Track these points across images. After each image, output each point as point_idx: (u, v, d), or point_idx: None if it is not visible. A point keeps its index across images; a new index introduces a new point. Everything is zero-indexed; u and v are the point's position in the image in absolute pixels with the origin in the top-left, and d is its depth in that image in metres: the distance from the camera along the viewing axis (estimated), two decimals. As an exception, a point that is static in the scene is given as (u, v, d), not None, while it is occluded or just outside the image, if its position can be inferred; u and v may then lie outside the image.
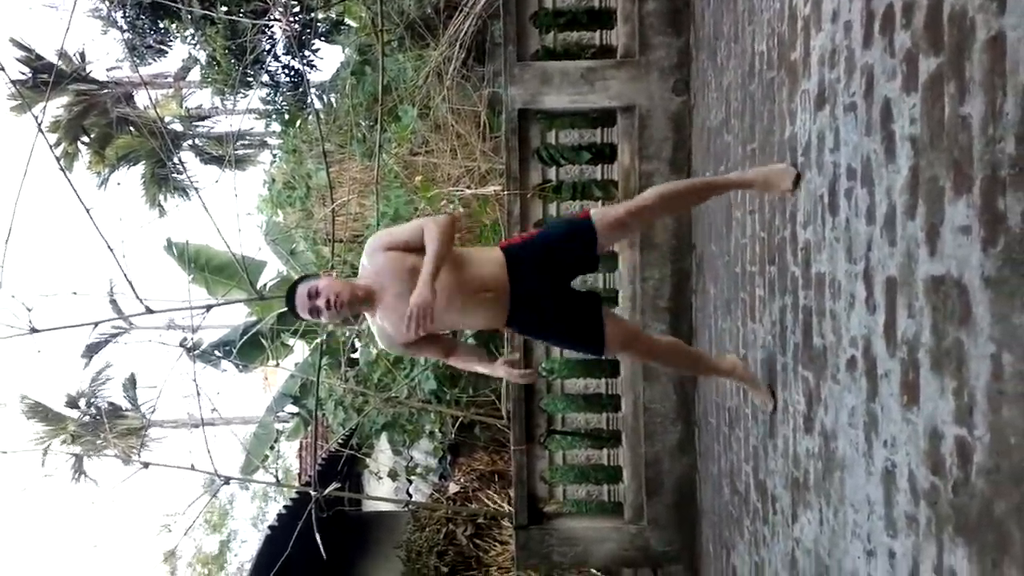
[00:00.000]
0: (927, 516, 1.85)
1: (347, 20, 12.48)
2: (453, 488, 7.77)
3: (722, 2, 4.31)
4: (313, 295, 2.90)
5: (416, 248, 2.91)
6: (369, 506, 9.72)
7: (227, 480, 5.55)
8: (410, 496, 9.27)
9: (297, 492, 7.55)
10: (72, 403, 15.36)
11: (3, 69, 4.32)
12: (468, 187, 7.46)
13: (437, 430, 7.86)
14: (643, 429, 5.25)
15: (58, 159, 4.97)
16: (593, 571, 6.14)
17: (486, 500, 7.39)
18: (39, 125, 4.71)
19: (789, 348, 3.04)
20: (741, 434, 3.89)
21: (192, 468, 5.40)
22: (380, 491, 9.82)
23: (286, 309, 3.05)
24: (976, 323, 1.62)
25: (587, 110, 5.43)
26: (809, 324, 2.78)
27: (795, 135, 2.96)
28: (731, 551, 4.16)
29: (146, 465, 5.63)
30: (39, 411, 15.07)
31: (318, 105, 12.58)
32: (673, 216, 4.94)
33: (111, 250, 4.86)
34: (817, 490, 2.70)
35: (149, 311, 5.21)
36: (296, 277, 3.10)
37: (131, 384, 15.24)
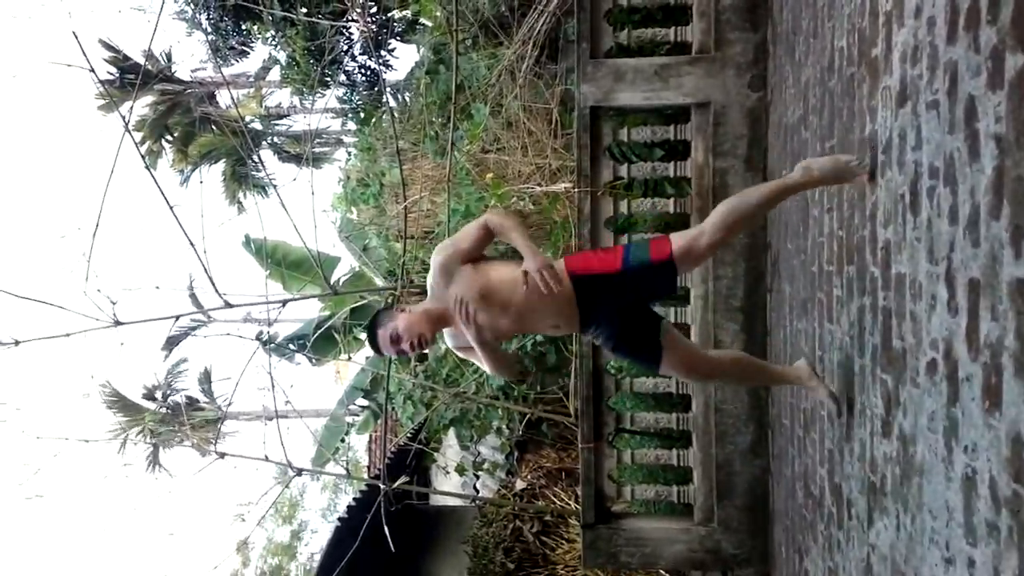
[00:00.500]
0: (1008, 524, 1.80)
1: (422, 19, 12.64)
2: (520, 484, 7.80)
3: (801, -3, 4.24)
4: (396, 340, 3.00)
5: (477, 254, 3.04)
6: (436, 500, 9.83)
7: (299, 471, 5.69)
8: (477, 491, 9.34)
9: (367, 485, 7.69)
10: (150, 395, 15.91)
11: (93, 70, 4.50)
12: (539, 184, 7.48)
13: (505, 426, 7.90)
14: (714, 430, 5.20)
15: (143, 156, 5.16)
16: (662, 572, 6.09)
17: (553, 497, 7.40)
18: (126, 124, 4.90)
19: (867, 350, 2.98)
20: (816, 437, 3.82)
21: (266, 459, 5.56)
22: (447, 486, 9.92)
23: (371, 349, 3.17)
24: (1065, 327, 1.58)
25: (661, 107, 5.38)
26: (888, 326, 2.72)
27: (875, 132, 2.89)
28: (804, 556, 4.09)
29: (222, 455, 5.81)
30: (118, 402, 15.64)
31: (393, 104, 12.77)
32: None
33: (192, 245, 5.02)
34: (894, 495, 2.64)
35: (228, 305, 5.37)
36: (374, 314, 3.17)
37: (206, 377, 15.72)
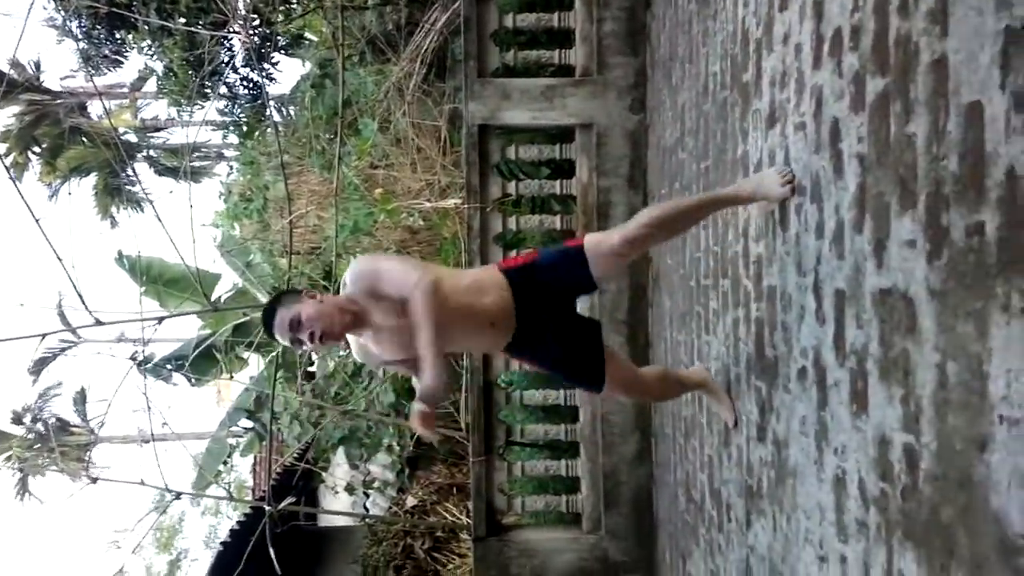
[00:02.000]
0: (877, 522, 1.91)
1: (308, 34, 12.45)
2: (411, 501, 7.72)
3: (677, 25, 4.42)
4: (295, 326, 2.60)
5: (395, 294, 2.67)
6: (325, 520, 9.62)
7: (178, 495, 5.46)
8: (367, 510, 9.19)
9: (251, 507, 7.44)
10: (17, 419, 14.95)
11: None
12: (428, 200, 7.47)
13: (395, 443, 7.81)
14: (601, 440, 5.30)
15: (8, 168, 4.87)
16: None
17: (444, 513, 7.36)
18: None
19: (742, 359, 3.11)
20: (696, 444, 3.95)
21: (142, 483, 5.30)
22: (336, 505, 9.71)
23: (264, 329, 2.73)
24: (922, 333, 1.69)
25: (546, 126, 5.50)
26: (761, 336, 2.85)
27: (747, 153, 3.04)
28: (687, 559, 4.22)
29: (94, 480, 5.51)
30: (-17, 429, 14.63)
31: (277, 117, 12.50)
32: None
33: (60, 261, 4.77)
34: (770, 498, 2.76)
35: (99, 323, 5.11)
36: (273, 295, 2.81)
37: (81, 398, 14.89)
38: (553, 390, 5.52)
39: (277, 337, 2.68)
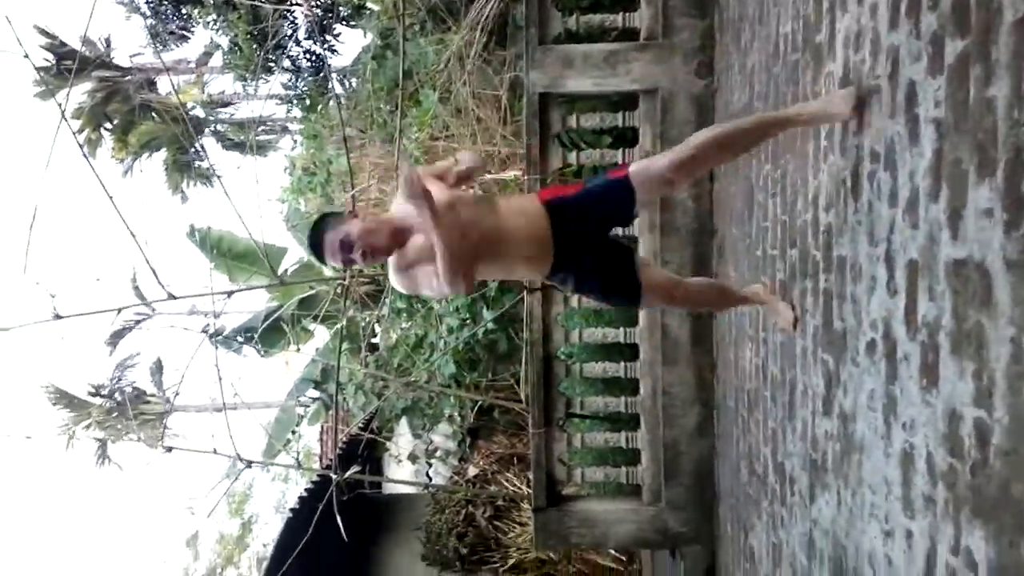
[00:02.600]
0: (945, 497, 1.86)
1: (369, 4, 12.49)
2: (472, 471, 7.83)
3: (747, -16, 4.29)
4: (346, 246, 2.67)
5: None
6: (389, 489, 9.81)
7: (249, 463, 5.62)
8: (430, 479, 9.35)
9: (318, 475, 7.63)
10: (96, 392, 15.56)
11: (27, 56, 4.36)
12: (488, 171, 7.47)
13: (456, 414, 7.91)
14: (661, 412, 5.27)
15: (81, 146, 5.02)
16: (612, 551, 6.17)
17: (505, 483, 7.45)
18: (63, 112, 4.76)
19: (809, 331, 3.05)
20: (760, 416, 3.90)
21: (214, 452, 5.47)
22: (400, 474, 9.90)
23: (312, 252, 2.79)
24: (997, 306, 1.63)
25: (609, 93, 5.41)
26: (829, 307, 2.78)
27: (818, 118, 2.94)
28: (749, 532, 4.19)
29: (169, 449, 5.71)
30: (63, 398, 15.27)
31: (339, 90, 12.61)
32: (727, 163, 4.39)
33: (134, 237, 4.90)
34: (835, 472, 2.71)
35: (172, 297, 5.26)
36: (316, 220, 2.84)
37: (158, 369, 15.42)
38: (613, 362, 5.50)
39: (328, 259, 2.76)
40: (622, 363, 5.48)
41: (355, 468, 5.23)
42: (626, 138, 5.48)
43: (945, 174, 1.89)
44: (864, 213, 2.43)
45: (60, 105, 4.95)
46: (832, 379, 2.76)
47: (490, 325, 7.14)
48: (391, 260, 2.81)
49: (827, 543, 2.81)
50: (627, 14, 5.39)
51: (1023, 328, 1.53)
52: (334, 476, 5.09)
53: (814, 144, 2.99)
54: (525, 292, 5.51)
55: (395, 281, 2.92)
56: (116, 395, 15.18)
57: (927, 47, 1.99)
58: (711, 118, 5.16)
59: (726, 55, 4.87)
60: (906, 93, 2.12)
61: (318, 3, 12.20)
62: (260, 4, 11.32)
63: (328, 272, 9.98)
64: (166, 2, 13.71)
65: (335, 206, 9.87)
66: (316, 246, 2.76)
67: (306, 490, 7.80)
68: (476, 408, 7.85)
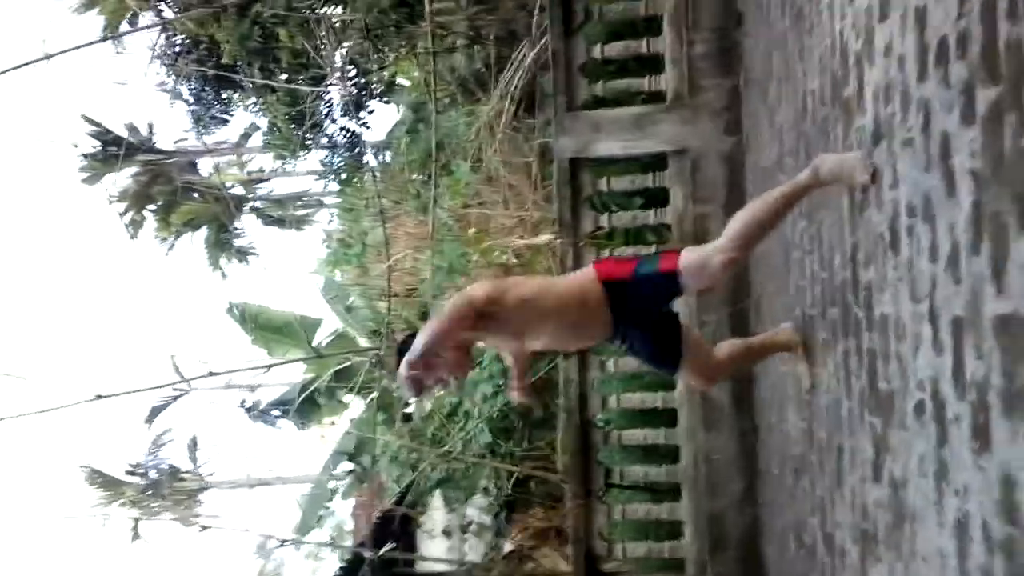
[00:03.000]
0: (1003, 568, 1.74)
1: (401, 80, 12.79)
2: (508, 546, 7.63)
3: (772, 42, 4.29)
4: (430, 366, 2.81)
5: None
6: (424, 566, 9.60)
7: (282, 542, 5.54)
8: (464, 555, 9.12)
9: (351, 553, 7.49)
10: (133, 471, 15.64)
11: (76, 145, 4.49)
12: (521, 237, 7.48)
13: (492, 486, 7.76)
14: (704, 481, 5.11)
15: (127, 227, 5.13)
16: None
17: (542, 559, 7.23)
18: (109, 197, 4.87)
19: (855, 393, 2.93)
20: (807, 484, 3.74)
21: (247, 530, 5.41)
22: (433, 549, 9.69)
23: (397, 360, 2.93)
24: (1050, 362, 1.53)
25: (639, 155, 5.43)
26: (874, 367, 2.67)
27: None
28: (801, 609, 3.98)
29: (204, 528, 5.66)
30: (99, 478, 15.38)
31: (374, 163, 12.84)
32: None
33: (173, 317, 4.95)
34: (887, 543, 2.56)
35: (212, 374, 5.29)
36: (408, 336, 3.00)
37: (193, 445, 15.48)
38: (653, 428, 5.36)
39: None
40: (661, 429, 5.34)
41: (389, 545, 5.12)
42: (657, 199, 5.45)
43: (985, 226, 1.81)
44: (904, 269, 2.34)
45: (106, 190, 5.07)
46: (880, 443, 2.63)
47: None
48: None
49: (883, 621, 2.64)
50: (653, 77, 5.43)
51: (1079, 386, 1.43)
52: (367, 554, 4.98)
53: (848, 199, 2.92)
54: (561, 357, 5.44)
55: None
56: (151, 472, 15.22)
57: (958, 97, 1.93)
58: (742, 176, 5.12)
59: (753, 113, 4.85)
60: (940, 145, 2.06)
61: (352, 82, 12.52)
62: (297, 87, 11.64)
63: (363, 342, 10.01)
64: (207, 88, 14.17)
65: (371, 276, 9.94)
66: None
67: (341, 568, 7.65)
68: (512, 479, 7.69)
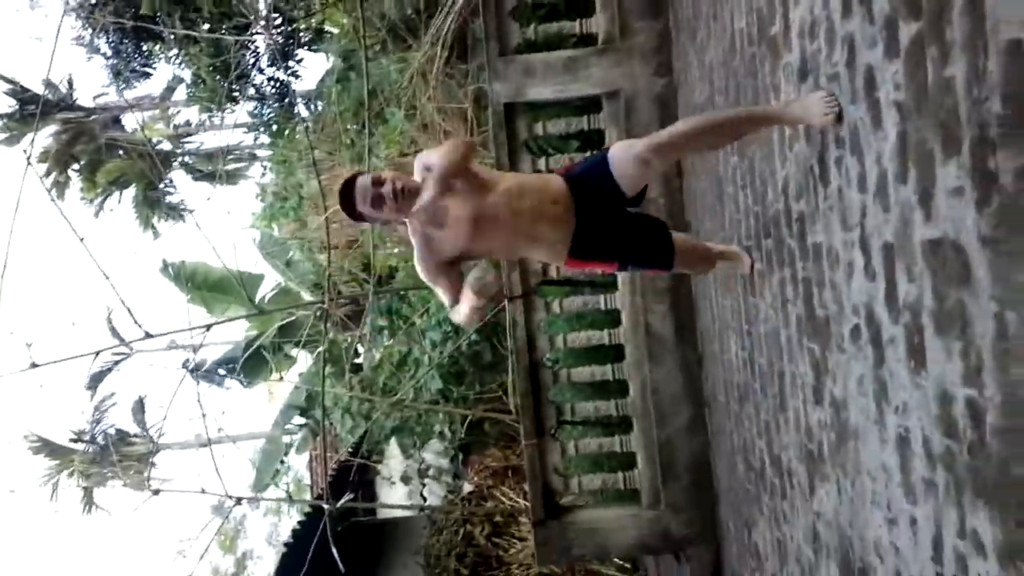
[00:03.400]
0: (945, 480, 1.84)
1: (329, 27, 12.46)
2: (467, 488, 7.77)
3: (699, -19, 4.31)
4: (376, 183, 2.82)
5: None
6: (384, 513, 9.72)
7: (238, 500, 5.54)
8: (424, 499, 9.27)
9: (310, 506, 7.54)
10: (78, 438, 15.34)
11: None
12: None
13: (447, 430, 7.86)
14: (653, 412, 5.26)
15: (49, 189, 4.97)
16: (615, 560, 6.13)
17: (501, 497, 7.39)
18: (28, 157, 4.71)
19: (792, 320, 3.04)
20: (751, 410, 3.89)
21: (202, 491, 5.39)
22: (394, 496, 9.81)
23: (344, 204, 2.89)
24: (977, 283, 1.62)
25: (572, 99, 5.42)
26: (810, 295, 2.77)
27: (782, 108, 2.94)
28: (752, 529, 4.17)
29: (156, 492, 5.62)
30: (46, 447, 15.05)
31: (305, 114, 12.56)
32: (701, 151, 4.23)
33: (106, 277, 4.85)
34: (832, 461, 2.70)
35: (148, 335, 5.20)
36: (352, 174, 2.97)
37: (139, 408, 15.23)
38: (600, 365, 5.48)
39: (357, 203, 2.85)
40: (609, 365, 5.46)
41: (348, 496, 5.17)
42: (593, 141, 5.48)
43: (912, 156, 1.88)
44: (835, 199, 2.43)
45: (25, 151, 4.90)
46: (820, 367, 2.74)
47: (473, 336, 7.11)
48: (411, 227, 2.92)
49: (832, 535, 2.79)
50: (584, 20, 5.41)
51: (1005, 303, 1.52)
52: (326, 506, 5.02)
53: (779, 133, 2.99)
54: (506, 300, 5.49)
55: (417, 248, 2.97)
56: (98, 439, 14.95)
57: (881, 32, 1.99)
58: (674, 116, 5.17)
59: (684, 54, 4.89)
60: (865, 78, 2.12)
61: (278, 31, 12.15)
62: (221, 37, 11.25)
63: (307, 296, 9.92)
64: (126, 41, 13.60)
65: (308, 229, 9.81)
66: (348, 194, 2.86)
67: (299, 522, 7.70)
68: (466, 423, 7.80)
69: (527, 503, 5.88)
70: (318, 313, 7.75)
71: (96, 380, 13.93)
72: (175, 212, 16.03)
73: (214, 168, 16.30)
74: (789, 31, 2.78)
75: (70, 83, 15.83)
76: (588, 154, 5.23)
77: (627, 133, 5.19)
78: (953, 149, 1.67)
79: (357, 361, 9.01)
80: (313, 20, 12.02)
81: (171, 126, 17.57)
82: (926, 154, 1.80)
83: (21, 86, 15.13)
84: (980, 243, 1.59)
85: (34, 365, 4.72)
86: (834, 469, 2.68)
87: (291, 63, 12.67)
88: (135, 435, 15.24)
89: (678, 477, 5.26)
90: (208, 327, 5.77)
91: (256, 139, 15.22)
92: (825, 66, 2.42)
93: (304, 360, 10.81)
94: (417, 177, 2.92)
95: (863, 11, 2.09)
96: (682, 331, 5.23)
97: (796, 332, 3.00)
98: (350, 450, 8.58)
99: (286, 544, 7.37)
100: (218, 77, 12.09)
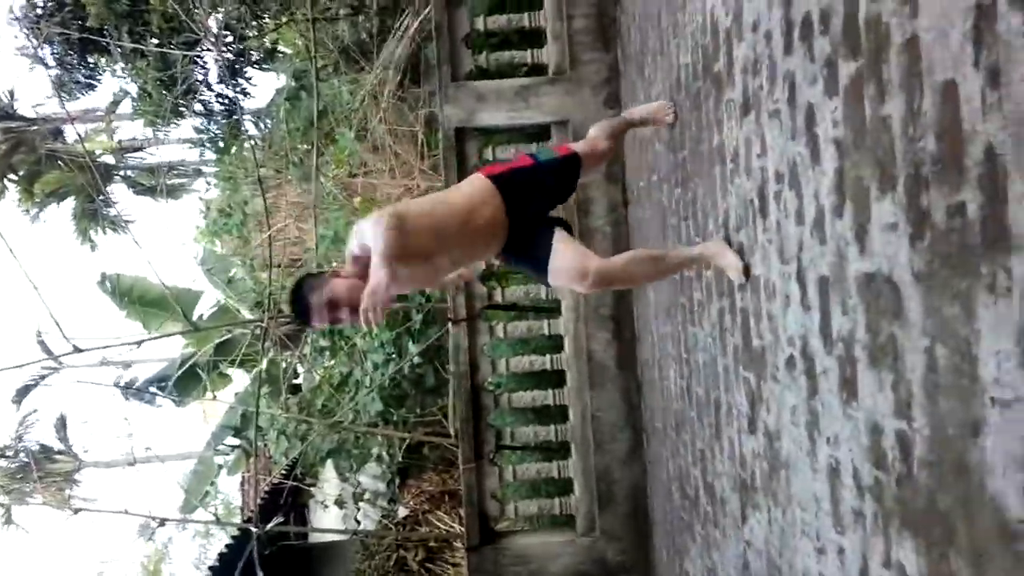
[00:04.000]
0: (873, 511, 1.87)
1: (282, 47, 12.39)
2: (403, 512, 7.66)
3: (647, 18, 4.39)
4: (332, 305, 2.65)
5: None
6: (317, 537, 9.52)
7: (163, 522, 5.38)
8: (358, 523, 9.10)
9: (239, 529, 7.34)
10: (0, 453, 14.74)
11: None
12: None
13: (385, 453, 7.75)
14: (592, 439, 5.27)
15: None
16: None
17: (437, 522, 7.30)
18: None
19: (729, 350, 3.08)
20: (688, 438, 3.92)
21: (126, 512, 5.22)
22: (327, 520, 9.62)
23: (298, 319, 2.77)
24: (909, 317, 1.66)
25: (523, 125, 5.48)
26: (748, 325, 2.82)
27: (723, 143, 3.01)
28: (684, 557, 4.18)
29: (77, 511, 5.42)
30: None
31: (254, 132, 12.43)
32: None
33: (36, 289, 4.71)
34: (764, 490, 2.72)
35: (77, 350, 5.05)
36: (300, 279, 2.79)
37: (62, 425, 14.71)
38: (542, 390, 5.48)
39: (315, 323, 2.73)
40: (550, 391, 5.47)
41: (278, 519, 5.05)
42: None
43: (848, 191, 1.93)
44: (773, 232, 2.48)
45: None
46: (755, 396, 2.78)
47: (416, 359, 7.05)
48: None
49: (761, 564, 2.82)
50: (535, 50, 5.49)
51: (936, 338, 1.56)
52: (255, 529, 4.89)
53: (720, 167, 3.05)
54: (450, 323, 5.47)
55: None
56: (20, 454, 14.36)
57: (822, 70, 2.05)
58: (621, 147, 5.24)
59: (632, 86, 4.97)
60: (805, 115, 2.17)
61: (228, 48, 12.02)
62: (169, 51, 11.09)
63: (247, 315, 9.74)
64: (72, 52, 13.31)
65: (253, 246, 9.66)
66: (303, 312, 2.73)
67: (227, 546, 7.47)
68: (404, 446, 7.71)
69: (463, 528, 5.82)
70: (257, 332, 7.62)
71: (22, 394, 13.45)
72: (114, 225, 15.67)
73: (156, 182, 15.99)
74: (732, 67, 2.84)
75: (11, 93, 15.47)
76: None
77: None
78: (888, 186, 1.72)
79: (296, 382, 8.85)
80: (266, 39, 11.94)
81: (114, 139, 17.22)
82: (862, 190, 1.85)
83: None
84: (913, 278, 1.63)
85: (-45, 376, 4.53)
86: (766, 498, 2.71)
87: (240, 80, 12.55)
88: (59, 452, 14.71)
89: (615, 504, 5.27)
90: (139, 343, 5.62)
91: (201, 154, 15.01)
92: (767, 102, 2.48)
93: (241, 380, 10.59)
94: (354, 245, 2.77)
95: (804, 49, 2.15)
96: (624, 359, 5.27)
97: (733, 361, 3.04)
98: (283, 472, 8.39)
99: (211, 568, 7.14)
100: (164, 92, 11.91)
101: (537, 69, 5.53)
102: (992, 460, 1.39)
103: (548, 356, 5.47)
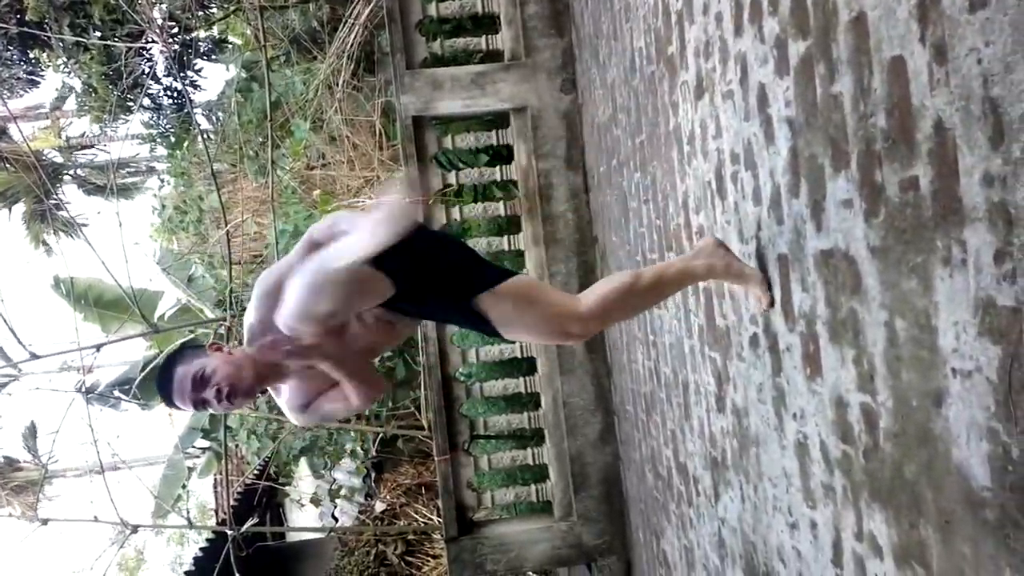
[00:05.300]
0: (843, 484, 1.90)
1: (230, 38, 12.17)
2: (380, 506, 7.64)
3: (599, 2, 4.38)
4: (201, 382, 2.11)
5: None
6: (294, 536, 9.47)
7: (134, 528, 5.30)
8: (335, 520, 9.07)
9: (213, 532, 7.27)
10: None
11: None
12: (369, 198, 7.36)
13: (359, 448, 7.71)
14: (564, 424, 5.29)
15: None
16: (529, 574, 6.13)
17: (414, 515, 7.30)
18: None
19: (695, 331, 3.10)
20: (658, 419, 3.95)
21: (95, 520, 5.14)
22: (304, 519, 9.57)
23: (160, 394, 2.20)
24: (867, 292, 1.68)
25: (481, 113, 5.44)
26: (711, 306, 2.84)
27: (679, 125, 3.02)
28: (660, 537, 4.23)
29: (45, 522, 5.32)
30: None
31: (205, 125, 12.21)
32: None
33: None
34: (736, 468, 2.75)
35: (34, 356, 4.95)
36: (169, 352, 2.32)
37: (32, 433, 14.41)
38: (513, 378, 5.48)
39: (176, 402, 2.17)
40: (521, 378, 5.47)
41: (252, 520, 5.01)
42: (502, 155, 5.50)
43: (803, 169, 1.94)
44: (732, 212, 2.49)
45: None
46: (721, 376, 2.81)
47: (387, 353, 7.01)
48: (283, 400, 2.37)
49: (736, 541, 2.85)
50: (490, 36, 5.44)
51: (895, 312, 1.58)
52: (230, 532, 4.84)
53: (678, 150, 3.06)
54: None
55: (296, 420, 2.46)
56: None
57: (772, 50, 2.05)
58: (580, 132, 5.25)
59: (587, 71, 4.96)
60: (758, 95, 2.18)
61: (174, 39, 11.78)
62: (113, 44, 10.84)
63: (209, 314, 9.60)
64: (11, 47, 12.97)
65: (211, 243, 9.52)
66: (162, 387, 2.18)
67: (201, 549, 7.40)
68: (378, 440, 7.68)
69: (440, 520, 5.82)
70: (219, 331, 7.52)
71: (-20, 405, 13.13)
72: (67, 227, 15.32)
73: (107, 181, 15.67)
74: (685, 50, 2.85)
75: (-48, 95, 14.99)
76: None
77: (535, 149, 5.23)
78: (842, 163, 1.73)
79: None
80: (214, 29, 11.71)
81: (62, 137, 16.81)
82: (817, 168, 1.86)
83: None
84: (870, 253, 1.65)
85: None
86: (737, 476, 2.74)
87: (189, 73, 12.32)
88: (24, 461, 14.42)
89: (590, 487, 5.30)
90: (99, 347, 5.52)
91: (152, 150, 14.72)
92: (720, 84, 2.48)
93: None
94: (254, 315, 2.20)
95: (754, 30, 2.16)
96: (592, 343, 5.28)
97: (699, 342, 3.06)
98: (256, 472, 8.32)
99: (187, 573, 7.08)
100: (110, 86, 11.66)
101: (493, 55, 5.48)
102: (956, 430, 1.41)
103: (517, 344, 5.47)
